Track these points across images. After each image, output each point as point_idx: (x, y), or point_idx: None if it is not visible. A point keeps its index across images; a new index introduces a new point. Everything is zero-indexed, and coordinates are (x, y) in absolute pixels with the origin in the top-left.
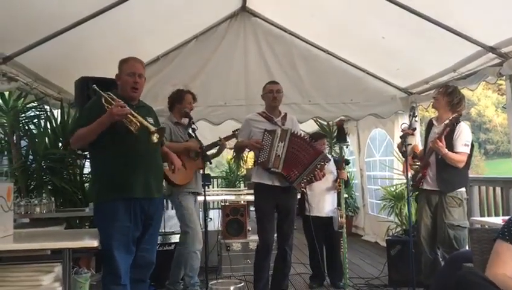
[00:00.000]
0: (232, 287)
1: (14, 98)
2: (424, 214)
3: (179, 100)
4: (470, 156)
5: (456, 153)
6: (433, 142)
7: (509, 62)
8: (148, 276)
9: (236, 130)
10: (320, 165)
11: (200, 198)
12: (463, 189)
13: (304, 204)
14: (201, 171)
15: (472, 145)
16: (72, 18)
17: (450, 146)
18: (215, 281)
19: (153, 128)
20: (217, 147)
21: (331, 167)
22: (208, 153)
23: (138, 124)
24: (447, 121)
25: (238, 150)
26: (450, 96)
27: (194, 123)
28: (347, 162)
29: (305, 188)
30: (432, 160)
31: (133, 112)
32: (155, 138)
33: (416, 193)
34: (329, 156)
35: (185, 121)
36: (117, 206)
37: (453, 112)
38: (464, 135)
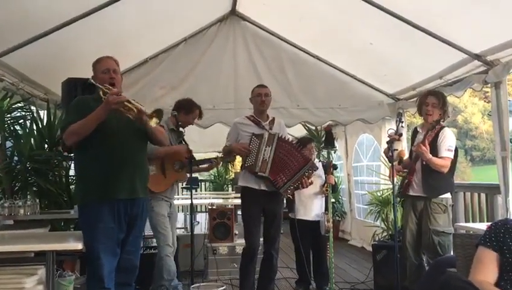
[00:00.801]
0: None
1: None
2: (409, 220)
3: (187, 111)
4: (454, 161)
5: (440, 158)
6: (417, 147)
7: (495, 70)
8: (134, 279)
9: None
10: (307, 173)
11: (187, 201)
12: (448, 195)
13: (291, 206)
14: (180, 184)
15: (456, 151)
16: (59, 18)
17: (435, 151)
18: (197, 284)
19: (149, 113)
20: (208, 164)
21: (319, 171)
22: (200, 166)
23: (135, 109)
24: (429, 126)
25: (226, 154)
26: (442, 108)
27: (182, 127)
28: (335, 167)
29: (292, 195)
30: (418, 166)
31: (129, 99)
32: (154, 122)
33: (403, 199)
34: (318, 161)
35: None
36: (101, 207)
37: (442, 115)
38: (447, 140)
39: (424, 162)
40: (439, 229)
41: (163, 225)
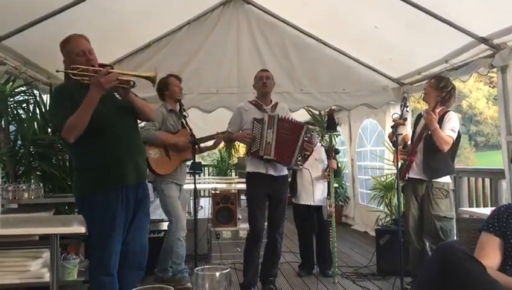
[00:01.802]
0: (217, 273)
1: (2, 82)
2: (411, 206)
3: (165, 87)
4: (455, 145)
5: (446, 136)
6: (427, 114)
7: (501, 53)
8: (144, 264)
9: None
10: (307, 137)
11: (191, 186)
12: (449, 180)
13: (294, 192)
14: (187, 163)
15: (459, 136)
16: (62, 1)
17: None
18: (201, 267)
19: (151, 74)
20: (213, 141)
21: (321, 155)
22: (202, 145)
23: (132, 79)
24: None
25: (228, 142)
26: (440, 90)
27: (185, 110)
28: (337, 152)
29: (303, 165)
30: (420, 147)
31: (120, 71)
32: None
33: (403, 185)
34: (320, 145)
35: (177, 107)
36: (109, 196)
37: (442, 105)
38: (452, 121)
39: (426, 142)
40: (441, 215)
41: (176, 207)
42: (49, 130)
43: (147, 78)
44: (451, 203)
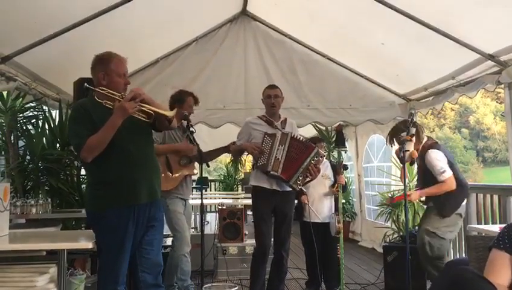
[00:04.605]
0: None
1: (12, 98)
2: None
3: (180, 102)
4: (455, 172)
5: (440, 182)
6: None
7: (508, 70)
8: (160, 279)
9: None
10: (314, 160)
11: (197, 201)
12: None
13: (301, 209)
14: (192, 177)
15: (451, 164)
16: (72, 19)
17: (430, 177)
18: (209, 285)
19: (170, 114)
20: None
21: (328, 172)
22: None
23: (152, 112)
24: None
25: (237, 153)
26: (395, 135)
27: (192, 126)
28: (345, 167)
29: (302, 186)
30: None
31: (144, 97)
32: (175, 123)
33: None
34: (326, 161)
35: (184, 123)
36: (121, 213)
37: (418, 142)
38: (434, 164)
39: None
40: (431, 229)
41: (181, 223)
42: (58, 145)
43: (164, 116)
44: (451, 225)
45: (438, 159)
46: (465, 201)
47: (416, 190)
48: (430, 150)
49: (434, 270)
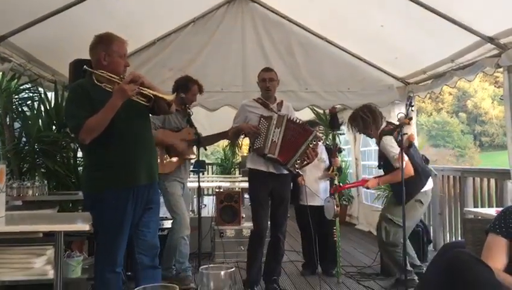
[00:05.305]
0: (222, 272)
1: (7, 79)
2: None
3: (185, 89)
4: (411, 158)
5: (396, 169)
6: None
7: (508, 53)
8: (157, 261)
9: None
10: (312, 144)
11: (194, 184)
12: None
13: (297, 193)
14: (191, 161)
15: (409, 146)
16: None
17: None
18: (206, 266)
19: (170, 98)
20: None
21: (323, 155)
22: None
23: (151, 96)
24: None
25: (234, 134)
26: (355, 122)
27: (189, 109)
28: (340, 150)
29: (299, 169)
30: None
31: (143, 80)
32: (174, 107)
33: None
34: (321, 144)
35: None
36: (120, 195)
37: (377, 128)
38: (388, 150)
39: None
40: (388, 216)
41: (180, 205)
42: (54, 127)
43: (164, 100)
44: (408, 212)
45: (391, 145)
46: (427, 187)
47: (374, 178)
48: (384, 137)
49: (385, 255)
